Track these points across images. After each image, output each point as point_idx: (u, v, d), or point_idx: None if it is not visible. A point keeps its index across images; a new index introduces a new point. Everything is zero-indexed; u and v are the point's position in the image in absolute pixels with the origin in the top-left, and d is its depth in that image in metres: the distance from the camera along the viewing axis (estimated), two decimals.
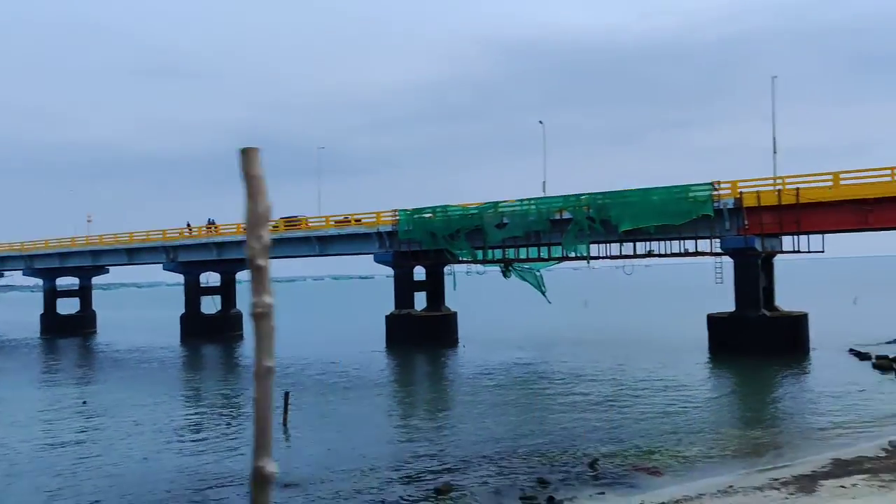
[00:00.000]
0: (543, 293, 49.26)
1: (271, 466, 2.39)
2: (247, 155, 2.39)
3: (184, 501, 15.34)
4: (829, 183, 34.33)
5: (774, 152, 39.98)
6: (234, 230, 55.32)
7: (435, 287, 49.77)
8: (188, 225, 59.66)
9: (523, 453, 18.42)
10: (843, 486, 13.52)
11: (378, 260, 48.38)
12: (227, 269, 59.38)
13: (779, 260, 42.77)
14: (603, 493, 14.78)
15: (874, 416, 22.13)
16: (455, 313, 50.11)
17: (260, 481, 2.40)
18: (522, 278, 49.86)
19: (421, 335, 46.37)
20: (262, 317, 2.39)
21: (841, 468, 15.37)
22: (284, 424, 22.78)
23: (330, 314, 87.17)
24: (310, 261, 56.69)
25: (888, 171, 32.94)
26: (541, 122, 50.99)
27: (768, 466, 16.15)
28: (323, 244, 50.86)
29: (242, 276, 63.71)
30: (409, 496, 14.63)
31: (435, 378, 35.94)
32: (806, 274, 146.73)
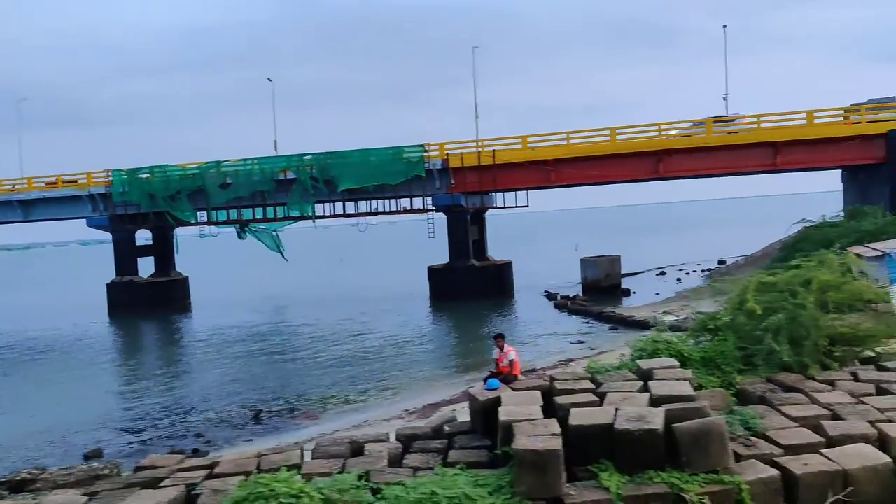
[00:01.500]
0: (281, 253, 49.51)
1: None
2: None
3: None
4: (519, 145, 38.43)
5: (476, 117, 43.94)
6: None
7: (163, 251, 47.55)
8: None
9: (200, 413, 18.82)
10: (454, 410, 15.77)
11: (92, 224, 44.84)
12: None
13: (511, 215, 47.10)
14: (251, 440, 15.75)
15: (539, 351, 25.65)
16: (186, 278, 48.43)
17: None
18: (258, 239, 49.60)
19: (148, 302, 44.20)
20: None
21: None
22: None
23: (56, 283, 79.22)
24: (55, 225, 50.39)
25: (564, 135, 37.66)
26: (269, 79, 50.38)
27: (409, 400, 18.23)
28: (27, 208, 45.85)
29: None
30: (55, 465, 14.31)
31: (146, 347, 34.73)
32: (532, 226, 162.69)
